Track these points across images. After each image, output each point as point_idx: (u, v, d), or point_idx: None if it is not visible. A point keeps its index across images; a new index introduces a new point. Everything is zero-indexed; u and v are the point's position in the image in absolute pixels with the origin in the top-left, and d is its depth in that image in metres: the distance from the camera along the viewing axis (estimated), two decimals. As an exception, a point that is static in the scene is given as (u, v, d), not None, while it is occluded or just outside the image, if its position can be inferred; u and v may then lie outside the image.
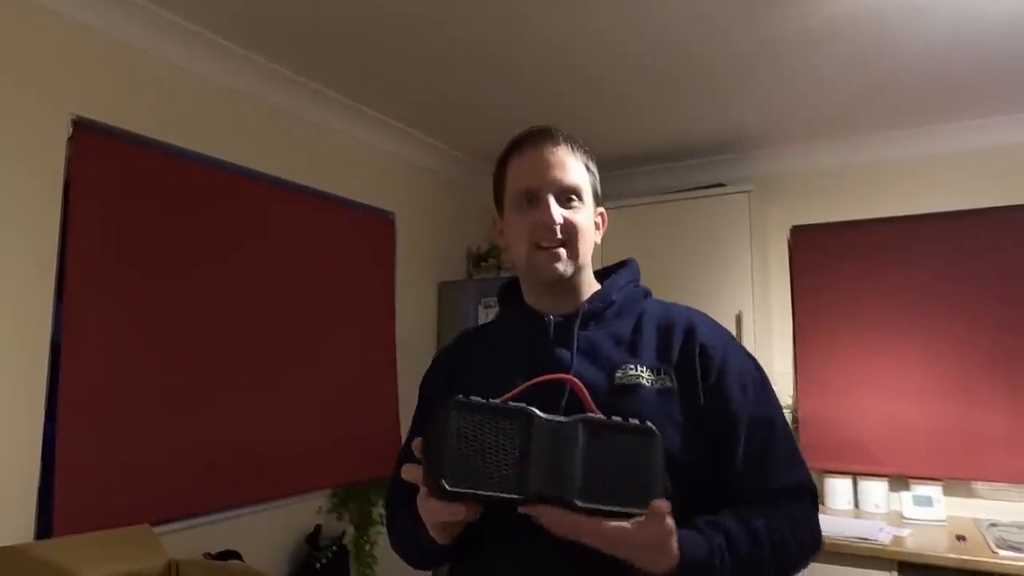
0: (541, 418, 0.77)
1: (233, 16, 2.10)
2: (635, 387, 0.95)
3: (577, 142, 1.07)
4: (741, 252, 3.11)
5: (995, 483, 2.83)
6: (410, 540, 1.01)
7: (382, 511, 2.60)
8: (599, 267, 1.14)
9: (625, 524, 0.78)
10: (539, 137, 1.05)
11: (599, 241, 1.08)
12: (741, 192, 3.15)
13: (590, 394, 0.86)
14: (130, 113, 2.06)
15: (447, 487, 0.73)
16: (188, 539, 2.12)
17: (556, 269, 1.00)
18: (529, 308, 1.08)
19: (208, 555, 2.13)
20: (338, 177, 2.82)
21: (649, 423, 0.77)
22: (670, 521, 0.80)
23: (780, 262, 3.37)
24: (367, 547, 2.74)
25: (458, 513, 0.79)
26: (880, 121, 2.98)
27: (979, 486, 2.88)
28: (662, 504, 0.79)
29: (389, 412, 2.96)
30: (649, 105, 2.82)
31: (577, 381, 0.87)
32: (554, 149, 1.03)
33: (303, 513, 2.59)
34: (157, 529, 1.85)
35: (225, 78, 2.34)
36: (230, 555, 2.17)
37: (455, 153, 3.44)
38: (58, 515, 1.80)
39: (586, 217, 1.04)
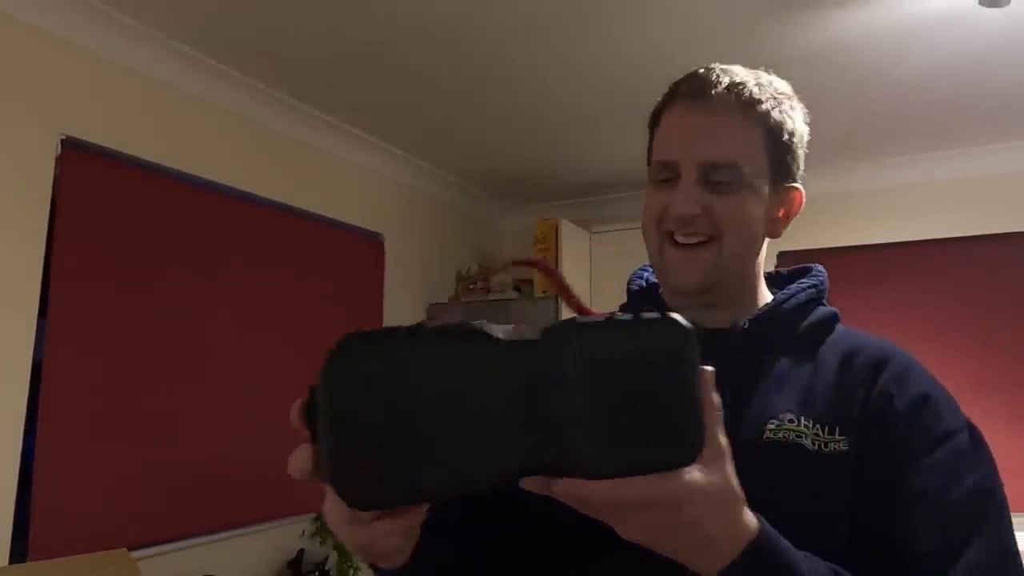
0: (495, 340, 0.42)
1: (223, 37, 2.11)
2: (791, 448, 0.66)
3: (761, 86, 0.72)
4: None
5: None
6: None
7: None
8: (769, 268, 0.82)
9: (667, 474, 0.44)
10: (695, 86, 0.73)
11: (780, 233, 0.77)
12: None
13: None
14: (119, 133, 2.06)
15: (356, 496, 0.42)
16: (167, 564, 2.08)
17: (690, 278, 0.72)
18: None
19: (187, 580, 2.09)
20: (327, 198, 2.82)
21: (676, 315, 0.43)
22: (731, 469, 0.47)
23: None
24: (350, 573, 2.70)
25: (390, 531, 0.45)
26: (874, 148, 3.00)
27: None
28: (718, 440, 0.45)
29: (375, 435, 2.93)
30: (642, 133, 2.83)
31: (549, 264, 0.63)
32: (711, 107, 0.71)
33: (286, 537, 2.55)
34: (135, 553, 1.82)
35: (213, 98, 2.34)
36: (210, 580, 2.13)
37: (444, 175, 3.45)
38: (34, 538, 1.77)
39: (743, 204, 0.71)
